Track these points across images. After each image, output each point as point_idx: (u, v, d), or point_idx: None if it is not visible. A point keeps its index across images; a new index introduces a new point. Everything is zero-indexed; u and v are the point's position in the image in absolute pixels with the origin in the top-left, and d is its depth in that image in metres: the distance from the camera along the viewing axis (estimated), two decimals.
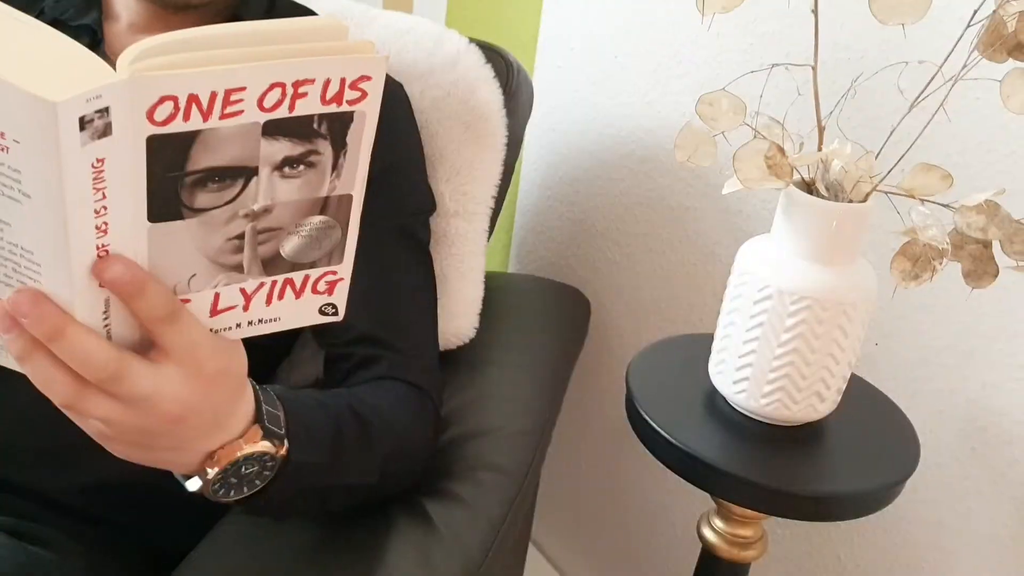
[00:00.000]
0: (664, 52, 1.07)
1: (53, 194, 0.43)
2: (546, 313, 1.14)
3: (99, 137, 0.42)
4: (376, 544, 0.75)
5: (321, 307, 0.57)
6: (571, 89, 1.23)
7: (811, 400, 0.67)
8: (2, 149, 0.42)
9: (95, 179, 0.43)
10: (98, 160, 0.43)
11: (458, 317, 1.00)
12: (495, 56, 1.04)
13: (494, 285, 1.09)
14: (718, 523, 0.76)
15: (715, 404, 0.73)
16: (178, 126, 0.44)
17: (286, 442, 0.61)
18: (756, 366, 0.67)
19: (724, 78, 0.98)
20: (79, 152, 0.42)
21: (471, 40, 1.03)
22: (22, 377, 0.52)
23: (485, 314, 1.04)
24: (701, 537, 0.78)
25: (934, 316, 0.86)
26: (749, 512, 0.73)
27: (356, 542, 0.75)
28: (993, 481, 0.85)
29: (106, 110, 0.41)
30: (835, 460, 0.69)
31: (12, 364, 0.51)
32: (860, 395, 0.77)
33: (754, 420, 0.70)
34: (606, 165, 1.20)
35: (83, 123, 0.41)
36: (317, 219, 0.52)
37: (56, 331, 0.47)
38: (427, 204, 0.95)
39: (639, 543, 1.28)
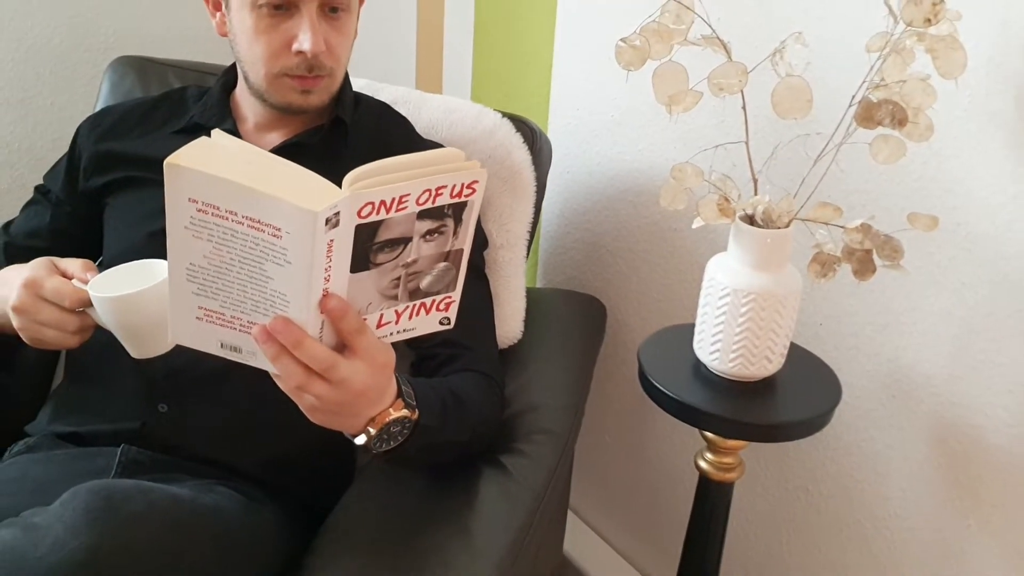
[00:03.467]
0: (649, 111, 1.40)
1: (305, 262, 0.75)
2: (572, 317, 1.46)
3: (332, 228, 0.74)
4: (470, 486, 1.06)
5: (440, 319, 0.89)
6: (579, 141, 1.56)
7: (762, 362, 1.00)
8: (278, 236, 0.75)
9: (328, 251, 0.76)
10: (330, 241, 0.75)
11: (508, 323, 1.33)
12: (522, 126, 1.37)
13: (530, 298, 1.41)
14: (708, 455, 1.09)
15: (699, 369, 1.05)
16: (372, 218, 0.76)
17: (417, 410, 0.93)
18: (724, 341, 0.99)
19: (696, 131, 1.31)
20: (323, 237, 0.74)
21: (503, 115, 1.36)
22: (227, 382, 0.83)
23: (526, 321, 1.37)
24: (697, 467, 1.10)
25: (859, 300, 1.18)
26: (728, 442, 1.05)
27: (457, 485, 1.06)
28: (908, 418, 1.17)
29: (337, 212, 0.74)
30: (781, 401, 1.01)
31: (265, 364, 0.83)
32: (800, 358, 1.09)
33: (725, 378, 1.02)
34: (610, 199, 1.53)
35: (327, 221, 0.73)
36: (442, 265, 0.84)
37: (297, 341, 0.78)
38: (483, 241, 1.27)
39: (654, 488, 1.59)
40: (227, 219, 0.75)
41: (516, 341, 1.34)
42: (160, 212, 1.15)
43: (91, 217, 1.23)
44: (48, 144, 1.92)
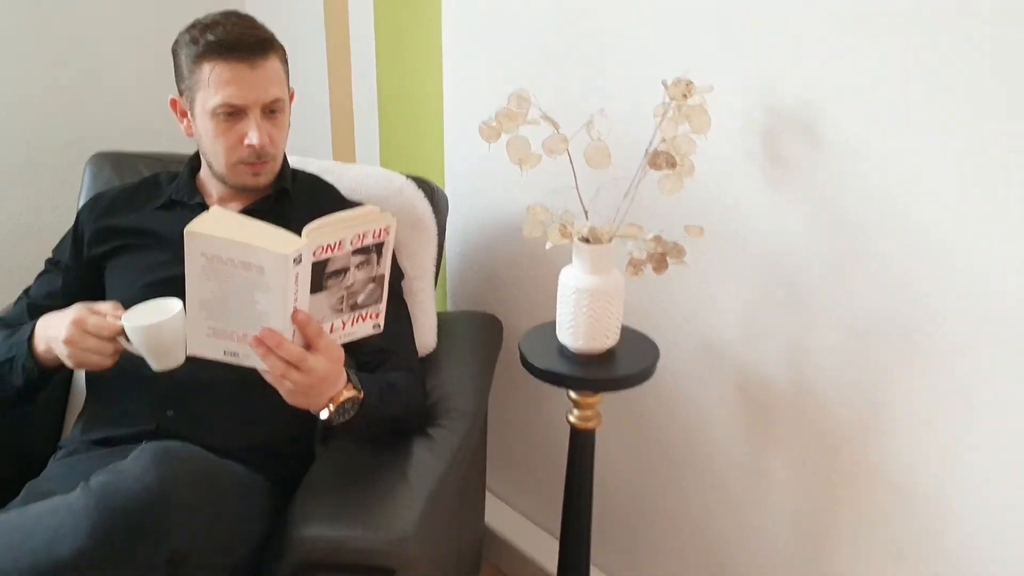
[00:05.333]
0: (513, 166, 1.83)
1: (281, 289, 1.15)
2: (475, 331, 1.87)
3: (298, 264, 1.14)
4: (406, 449, 1.44)
5: (372, 325, 1.29)
6: (470, 191, 1.98)
7: (603, 339, 1.42)
8: (262, 274, 1.14)
9: (295, 281, 1.15)
10: (296, 274, 1.15)
11: (425, 337, 1.72)
12: (423, 184, 1.78)
13: (442, 320, 1.81)
14: (575, 411, 1.50)
15: (562, 350, 1.47)
16: (323, 256, 1.16)
17: (362, 391, 1.32)
18: (574, 327, 1.41)
19: (545, 178, 1.73)
20: (292, 272, 1.14)
21: (408, 176, 1.78)
22: (216, 390, 1.22)
23: (440, 336, 1.77)
24: (568, 422, 1.51)
25: (674, 291, 1.61)
26: (586, 399, 1.46)
27: (396, 449, 1.44)
28: (718, 376, 1.60)
29: (300, 255, 1.14)
30: (619, 363, 1.43)
31: (256, 363, 1.21)
32: (632, 335, 1.52)
33: (579, 353, 1.44)
34: (498, 235, 1.95)
35: (294, 261, 1.13)
36: (371, 285, 1.25)
37: (279, 343, 1.18)
38: (400, 274, 1.68)
39: (547, 457, 2.00)
40: (228, 265, 1.14)
41: (432, 350, 1.74)
42: (150, 268, 1.54)
43: (94, 278, 1.60)
44: (23, 228, 2.26)
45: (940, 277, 1.26)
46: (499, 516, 2.16)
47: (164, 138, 2.04)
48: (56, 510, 1.09)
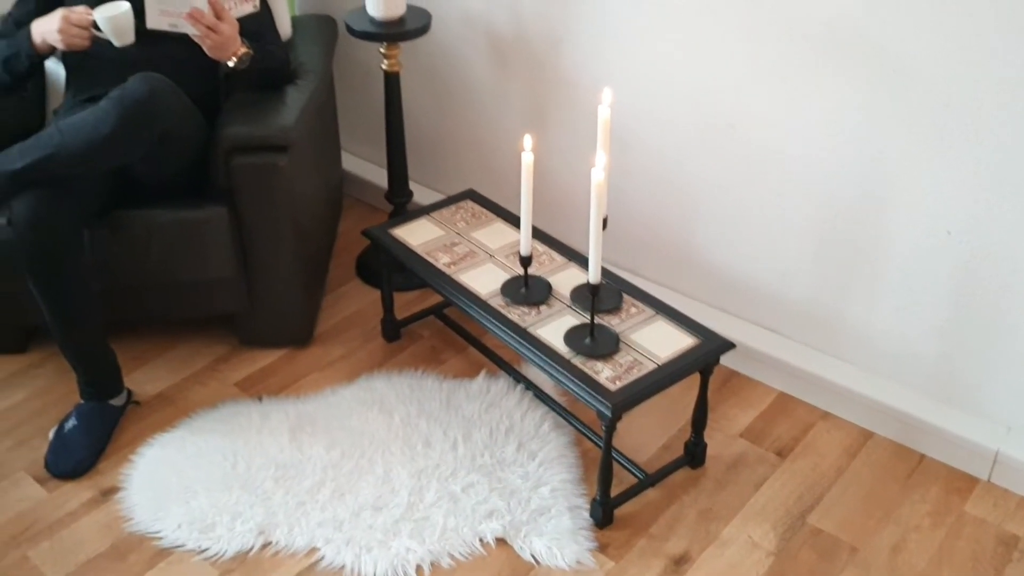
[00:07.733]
0: None
1: None
2: (318, 25, 2.75)
3: None
4: (283, 91, 2.35)
5: (252, 5, 2.19)
6: None
7: (395, 9, 2.33)
8: None
9: None
10: None
11: (284, 28, 2.60)
12: None
13: (296, 21, 2.68)
14: (385, 61, 2.43)
15: (371, 20, 2.38)
16: None
17: (252, 49, 2.22)
18: (376, 2, 2.31)
19: None
20: None
21: None
22: (157, 62, 2.12)
23: (295, 29, 2.65)
24: (382, 70, 2.45)
25: None
26: (390, 49, 2.40)
27: (276, 91, 2.36)
28: (471, 32, 2.54)
29: None
30: (408, 24, 2.36)
31: (190, 30, 2.09)
32: (415, 10, 2.44)
33: (381, 20, 2.35)
34: None
35: None
36: None
37: (202, 16, 2.08)
38: None
39: (374, 105, 2.95)
40: None
41: (290, 36, 2.63)
42: None
43: (54, 2, 2.39)
44: None
45: None
46: (350, 163, 3.13)
47: None
48: (95, 111, 1.99)
